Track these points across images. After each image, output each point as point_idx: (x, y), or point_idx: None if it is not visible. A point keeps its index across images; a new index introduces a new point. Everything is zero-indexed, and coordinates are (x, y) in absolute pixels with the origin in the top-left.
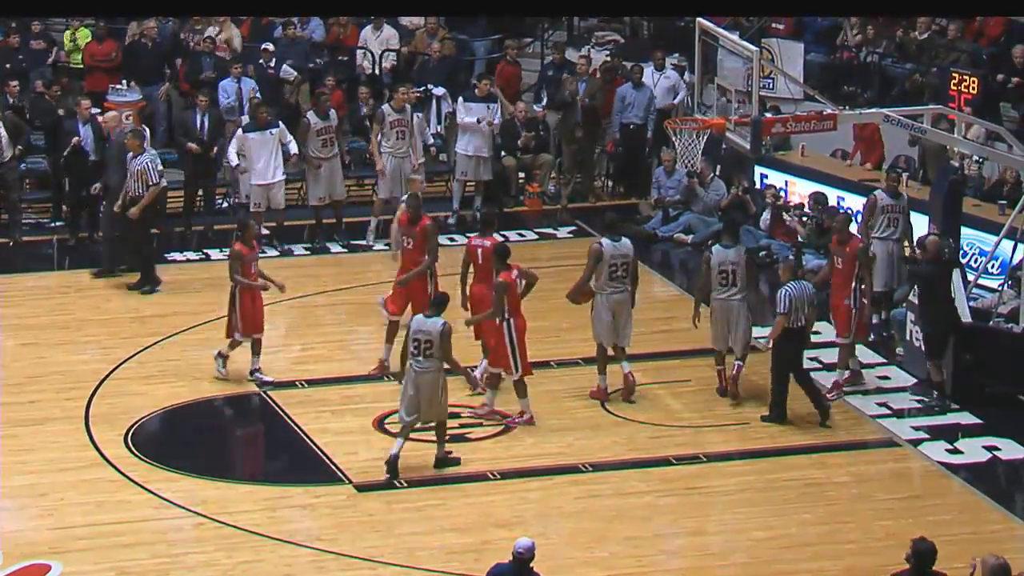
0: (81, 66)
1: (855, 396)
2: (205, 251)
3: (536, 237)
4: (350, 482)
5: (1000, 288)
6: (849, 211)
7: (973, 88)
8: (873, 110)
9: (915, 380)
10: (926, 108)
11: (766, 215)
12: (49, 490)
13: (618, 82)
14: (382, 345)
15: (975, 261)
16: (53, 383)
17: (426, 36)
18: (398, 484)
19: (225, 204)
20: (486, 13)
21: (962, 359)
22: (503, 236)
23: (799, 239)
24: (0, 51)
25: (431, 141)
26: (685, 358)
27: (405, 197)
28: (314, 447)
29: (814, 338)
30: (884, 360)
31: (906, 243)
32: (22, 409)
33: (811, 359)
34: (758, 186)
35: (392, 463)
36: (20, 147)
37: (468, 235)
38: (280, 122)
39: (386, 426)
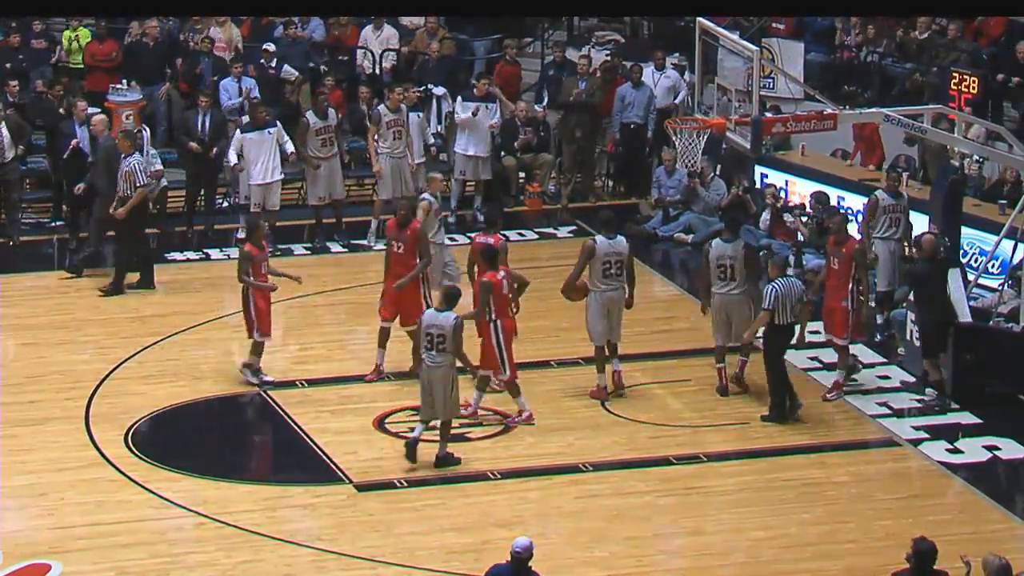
0: (81, 66)
1: (855, 396)
2: (205, 251)
3: (536, 237)
4: (350, 482)
5: (1000, 288)
6: (847, 211)
7: (973, 88)
8: (873, 110)
9: (914, 379)
10: (926, 108)
11: (766, 215)
12: (49, 490)
13: (618, 82)
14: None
15: (975, 261)
16: (53, 383)
17: (426, 36)
18: (398, 484)
19: (225, 204)
20: (486, 13)
21: (962, 359)
22: (504, 236)
23: (799, 239)
24: (0, 51)
25: (432, 141)
26: (685, 358)
27: (423, 195)
28: (314, 447)
29: (813, 338)
30: (884, 360)
31: (906, 243)
32: (22, 409)
33: (811, 359)
34: (758, 186)
35: (412, 446)
36: (22, 147)
37: (470, 234)
38: (277, 122)
39: (386, 426)
